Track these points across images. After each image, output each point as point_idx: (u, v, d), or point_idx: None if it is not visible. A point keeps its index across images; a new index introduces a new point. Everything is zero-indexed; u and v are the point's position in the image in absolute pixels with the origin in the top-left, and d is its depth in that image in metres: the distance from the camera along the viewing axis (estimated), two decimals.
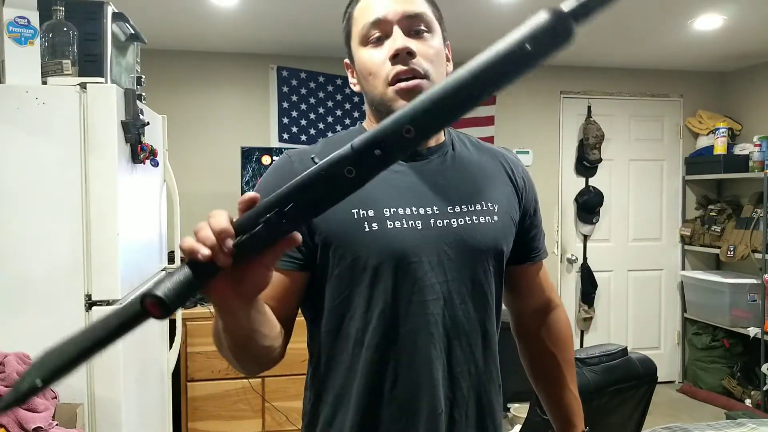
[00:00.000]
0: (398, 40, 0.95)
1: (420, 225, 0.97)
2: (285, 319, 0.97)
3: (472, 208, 1.01)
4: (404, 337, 0.97)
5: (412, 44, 0.96)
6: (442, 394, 0.98)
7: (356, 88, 1.06)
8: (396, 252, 0.96)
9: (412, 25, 0.97)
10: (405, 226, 0.97)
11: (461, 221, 1.00)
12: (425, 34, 0.99)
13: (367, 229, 0.95)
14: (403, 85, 0.96)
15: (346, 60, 1.07)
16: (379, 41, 0.98)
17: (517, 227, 1.09)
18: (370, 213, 0.96)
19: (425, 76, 0.96)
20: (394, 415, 0.98)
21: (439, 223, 0.99)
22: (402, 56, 0.95)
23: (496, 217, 1.03)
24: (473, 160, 1.07)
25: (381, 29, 0.97)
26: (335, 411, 1.00)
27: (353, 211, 0.96)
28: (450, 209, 1.00)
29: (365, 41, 0.99)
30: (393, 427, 0.98)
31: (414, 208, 0.98)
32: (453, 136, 1.10)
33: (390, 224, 0.96)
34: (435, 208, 0.99)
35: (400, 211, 0.97)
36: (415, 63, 0.96)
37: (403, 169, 1.02)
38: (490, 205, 1.03)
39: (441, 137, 1.08)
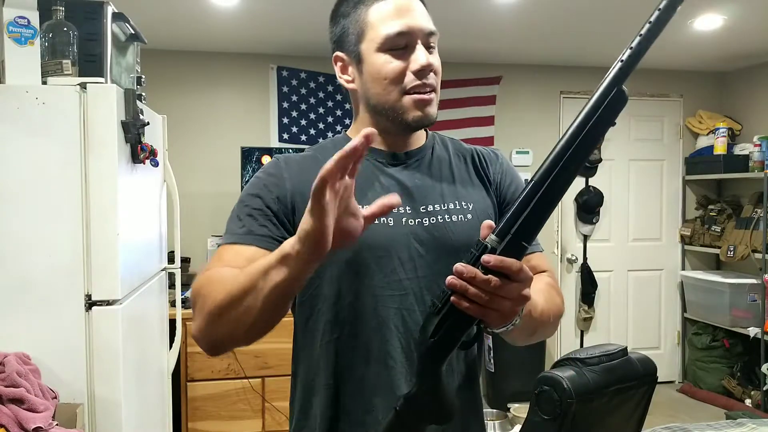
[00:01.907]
0: (423, 56, 1.00)
1: (392, 222, 1.01)
2: None
3: (445, 207, 1.05)
4: (371, 330, 0.99)
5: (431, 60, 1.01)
6: (406, 388, 0.98)
7: (349, 85, 1.08)
8: (364, 246, 0.98)
9: (428, 42, 1.03)
10: (376, 222, 0.98)
11: (433, 219, 1.03)
12: (434, 50, 1.04)
13: None
14: (421, 97, 1.01)
15: (339, 53, 1.08)
16: (400, 51, 1.01)
17: (495, 218, 1.10)
18: None
19: (435, 89, 1.03)
20: (363, 407, 1.00)
21: (411, 221, 1.02)
22: (426, 71, 1.00)
23: (470, 215, 1.06)
24: (450, 163, 1.11)
25: (404, 40, 1.00)
26: (308, 402, 1.04)
27: None
28: (423, 208, 1.03)
29: (385, 48, 1.01)
30: (362, 418, 1.00)
31: None
32: (436, 140, 1.14)
33: None
34: (408, 207, 1.03)
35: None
36: (431, 78, 1.02)
37: (380, 171, 1.05)
38: (464, 204, 1.06)
39: (421, 140, 1.11)
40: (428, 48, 1.03)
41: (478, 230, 1.05)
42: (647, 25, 0.70)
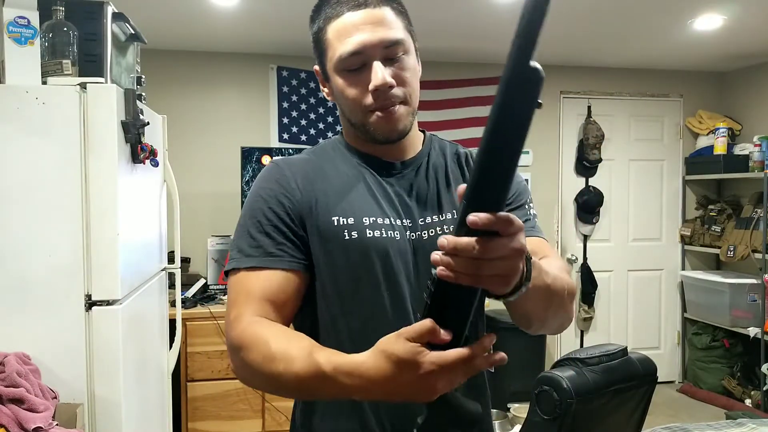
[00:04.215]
0: (378, 74, 0.94)
1: (398, 235, 0.99)
2: (288, 319, 0.98)
3: (443, 218, 1.02)
4: None
5: (390, 74, 0.96)
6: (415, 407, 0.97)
7: (329, 98, 1.06)
8: (375, 260, 0.97)
9: (391, 54, 0.97)
10: (384, 235, 0.98)
11: (432, 232, 1.01)
12: (402, 56, 0.98)
13: (347, 237, 0.97)
14: (383, 115, 0.97)
15: (317, 67, 1.06)
16: (357, 70, 0.97)
17: None
18: (350, 221, 0.97)
19: (402, 101, 0.98)
20: (369, 425, 0.98)
21: (413, 235, 1.00)
22: (382, 91, 0.96)
23: None
24: (446, 170, 1.08)
25: (360, 59, 0.96)
26: (311, 416, 1.02)
27: (333, 218, 0.98)
28: (421, 221, 1.02)
29: (340, 69, 0.98)
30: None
31: (392, 219, 1.00)
32: (433, 145, 1.11)
33: (369, 233, 0.97)
34: (408, 221, 1.01)
35: (378, 221, 0.98)
36: (393, 93, 0.97)
37: (379, 181, 1.03)
38: None
39: (417, 147, 1.09)
40: (392, 59, 0.97)
41: None
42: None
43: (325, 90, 1.06)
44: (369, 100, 0.97)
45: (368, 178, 1.03)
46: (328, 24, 0.98)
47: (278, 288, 0.95)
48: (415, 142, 1.08)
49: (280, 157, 1.08)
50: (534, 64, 0.60)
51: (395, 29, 0.97)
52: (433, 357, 0.70)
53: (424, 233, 1.01)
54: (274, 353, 0.84)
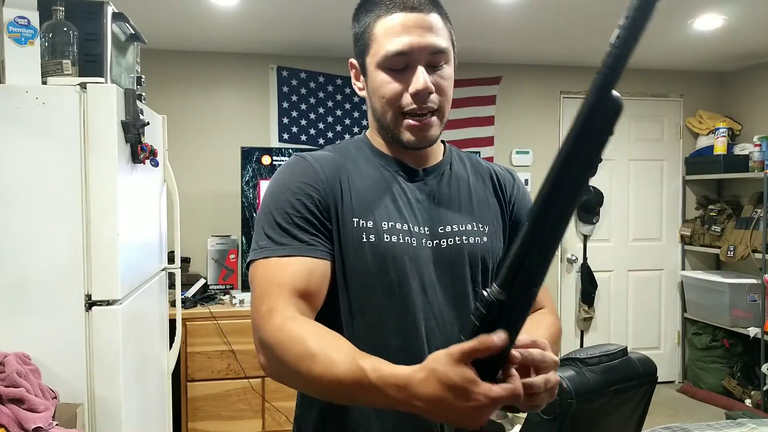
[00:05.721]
0: (421, 78, 0.96)
1: (414, 242, 0.99)
2: (317, 312, 0.96)
3: (463, 228, 1.03)
4: (391, 351, 0.95)
5: (431, 80, 0.97)
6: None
7: (362, 93, 1.07)
8: (390, 265, 0.97)
9: (434, 61, 0.98)
10: (401, 241, 0.98)
11: (450, 241, 1.02)
12: (444, 65, 1.00)
13: (365, 240, 0.97)
14: (415, 123, 0.99)
15: (353, 60, 1.07)
16: (399, 70, 0.98)
17: (504, 242, 1.10)
18: (369, 224, 0.98)
19: (436, 111, 1.00)
20: (383, 428, 0.98)
21: (430, 243, 1.01)
22: (422, 95, 0.97)
23: (485, 238, 1.05)
24: (468, 181, 1.09)
25: (404, 60, 0.97)
26: (323, 422, 1.01)
27: (354, 219, 0.98)
28: (441, 229, 1.02)
29: (384, 66, 0.99)
30: None
31: (410, 225, 1.00)
32: (453, 155, 1.12)
33: (387, 237, 0.97)
34: (426, 228, 1.01)
35: (397, 226, 0.99)
36: (431, 100, 0.98)
37: (401, 186, 1.04)
38: (480, 226, 1.05)
39: (439, 156, 1.09)
40: (434, 66, 0.98)
41: (491, 252, 1.05)
42: (623, 29, 0.61)
43: (358, 84, 1.07)
44: (407, 100, 0.98)
45: (391, 182, 1.03)
46: (377, 20, 0.99)
47: (310, 277, 0.93)
48: (437, 150, 1.09)
49: (301, 153, 1.07)
50: (615, 94, 0.62)
51: (442, 38, 0.99)
52: (485, 390, 0.67)
53: (443, 242, 1.01)
54: (313, 353, 0.80)
